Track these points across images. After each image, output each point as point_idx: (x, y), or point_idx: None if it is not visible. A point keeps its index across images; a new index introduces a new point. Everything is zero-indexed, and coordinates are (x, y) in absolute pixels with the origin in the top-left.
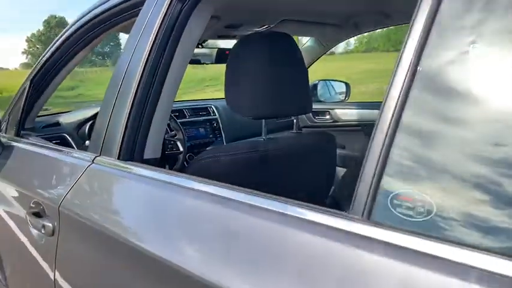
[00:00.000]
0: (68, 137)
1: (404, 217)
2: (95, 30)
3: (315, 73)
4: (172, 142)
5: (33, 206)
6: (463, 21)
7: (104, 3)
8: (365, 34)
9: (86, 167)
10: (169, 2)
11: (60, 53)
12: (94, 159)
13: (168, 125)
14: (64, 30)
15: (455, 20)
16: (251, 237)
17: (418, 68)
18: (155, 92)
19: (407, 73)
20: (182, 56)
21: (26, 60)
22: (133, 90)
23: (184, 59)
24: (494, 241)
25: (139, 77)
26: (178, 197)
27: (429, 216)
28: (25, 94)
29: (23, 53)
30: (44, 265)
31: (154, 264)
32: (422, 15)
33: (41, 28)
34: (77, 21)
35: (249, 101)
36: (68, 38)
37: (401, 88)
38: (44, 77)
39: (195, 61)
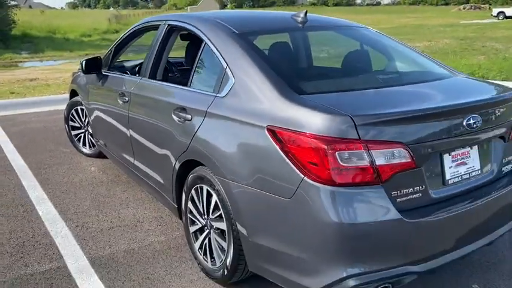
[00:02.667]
0: (128, 72)
1: None
2: (142, 31)
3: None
4: (175, 78)
5: (121, 93)
6: None
7: (146, 22)
8: None
9: (138, 81)
10: (167, 30)
11: (125, 39)
12: (141, 78)
13: (173, 70)
14: (127, 30)
15: None
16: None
17: None
18: (162, 59)
19: None
20: (170, 42)
21: (72, 0)
22: (156, 59)
23: (171, 44)
24: None
25: (159, 50)
26: (162, 88)
27: None
28: (112, 53)
29: None
30: (124, 128)
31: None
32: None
33: None
34: (133, 27)
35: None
36: (130, 34)
37: None
38: (118, 47)
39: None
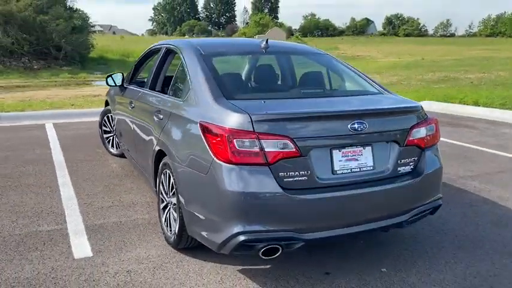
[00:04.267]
0: (144, 86)
1: None
2: (152, 53)
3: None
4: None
5: (130, 102)
6: None
7: (154, 46)
8: (493, 16)
9: (141, 91)
10: (164, 51)
11: (142, 59)
12: (144, 90)
13: (166, 82)
14: (143, 52)
15: None
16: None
17: None
18: (160, 74)
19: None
20: (167, 63)
21: (151, 27)
22: (155, 74)
23: (168, 62)
24: None
25: (158, 67)
26: (151, 95)
27: None
28: (132, 70)
29: (149, 20)
30: (131, 124)
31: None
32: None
33: None
34: (147, 50)
35: None
36: (145, 55)
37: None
38: (137, 65)
39: None
